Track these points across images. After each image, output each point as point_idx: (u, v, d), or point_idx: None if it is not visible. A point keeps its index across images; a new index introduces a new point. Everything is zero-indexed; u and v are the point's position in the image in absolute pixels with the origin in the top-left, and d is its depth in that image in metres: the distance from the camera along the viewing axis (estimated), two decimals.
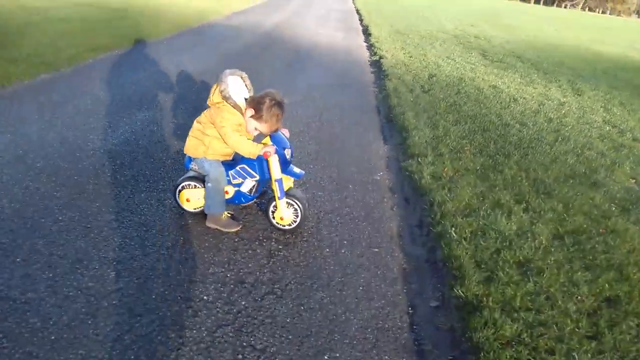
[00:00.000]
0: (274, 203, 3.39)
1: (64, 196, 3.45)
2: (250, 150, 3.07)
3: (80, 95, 5.61)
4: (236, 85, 3.13)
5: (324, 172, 4.59)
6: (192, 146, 3.25)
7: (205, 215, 3.37)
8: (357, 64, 10.21)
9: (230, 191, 3.34)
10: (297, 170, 3.45)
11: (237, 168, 3.29)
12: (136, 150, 4.40)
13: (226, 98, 3.03)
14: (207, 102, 3.18)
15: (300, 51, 10.65)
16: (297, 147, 5.05)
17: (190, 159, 3.35)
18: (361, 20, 18.61)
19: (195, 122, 3.27)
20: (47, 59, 6.75)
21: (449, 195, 4.17)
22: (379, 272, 3.14)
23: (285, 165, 3.29)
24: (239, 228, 3.37)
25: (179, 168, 4.12)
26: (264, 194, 3.61)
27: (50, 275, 2.62)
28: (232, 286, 2.78)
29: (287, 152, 3.28)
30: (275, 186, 3.25)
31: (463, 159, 5.04)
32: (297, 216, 3.42)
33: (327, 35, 13.48)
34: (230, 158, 3.34)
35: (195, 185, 3.37)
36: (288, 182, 3.43)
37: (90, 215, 3.26)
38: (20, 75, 5.95)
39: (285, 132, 3.40)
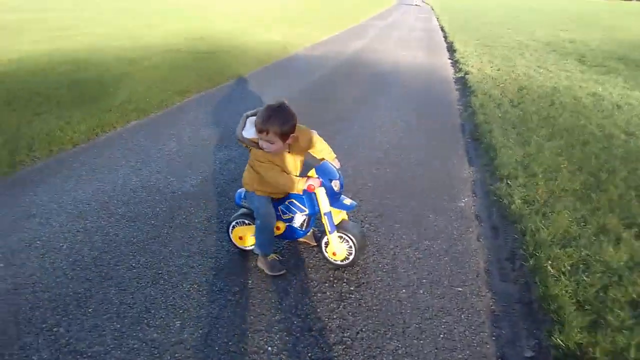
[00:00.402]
0: (326, 238, 3.22)
1: (139, 241, 3.52)
2: (293, 185, 2.90)
3: (165, 139, 5.85)
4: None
5: (401, 201, 4.33)
6: (248, 179, 3.10)
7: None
8: (441, 82, 9.82)
9: (282, 227, 3.20)
10: (348, 202, 3.22)
11: (286, 203, 3.15)
12: (212, 190, 4.44)
13: (240, 141, 2.89)
14: None
15: (381, 74, 10.48)
16: (373, 176, 4.85)
17: (241, 195, 3.28)
18: (445, 37, 18.10)
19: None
20: (139, 105, 7.18)
21: (543, 221, 3.72)
22: (463, 316, 2.81)
23: (334, 197, 3.09)
24: (281, 273, 3.18)
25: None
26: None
27: (118, 326, 2.62)
28: (298, 335, 2.61)
29: (335, 184, 3.06)
30: (324, 220, 3.08)
31: (560, 178, 4.52)
32: (351, 251, 3.21)
33: (410, 56, 13.20)
34: (282, 195, 3.17)
35: (247, 223, 3.28)
36: (340, 215, 3.23)
37: (162, 260, 3.28)
38: (114, 123, 6.36)
39: (335, 163, 3.21)
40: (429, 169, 5.11)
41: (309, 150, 3.14)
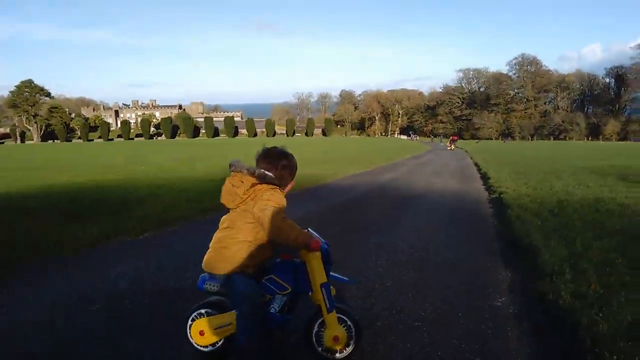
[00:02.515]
0: (319, 321, 2.53)
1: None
2: (299, 236, 2.38)
3: (180, 244, 5.52)
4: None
5: (424, 301, 3.66)
6: (221, 260, 2.52)
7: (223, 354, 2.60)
8: (474, 202, 9.35)
9: None
10: (339, 275, 2.64)
11: (263, 281, 2.50)
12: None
13: (262, 177, 2.46)
14: (230, 205, 2.56)
15: (411, 197, 10.16)
16: (393, 276, 4.24)
17: (205, 279, 2.61)
18: (479, 169, 18.02)
19: (220, 231, 2.62)
20: (161, 217, 7.04)
21: (601, 315, 2.97)
22: None
23: (328, 265, 2.50)
24: None
25: None
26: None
27: None
28: None
29: (328, 248, 2.53)
30: (321, 295, 2.42)
31: (616, 272, 3.78)
32: (351, 337, 2.50)
33: (442, 183, 12.97)
34: (252, 271, 2.54)
35: (212, 313, 2.62)
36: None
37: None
38: (128, 232, 6.12)
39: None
40: (459, 270, 4.46)
41: None
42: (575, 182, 10.82)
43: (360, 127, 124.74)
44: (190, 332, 2.64)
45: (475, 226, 6.74)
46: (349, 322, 2.53)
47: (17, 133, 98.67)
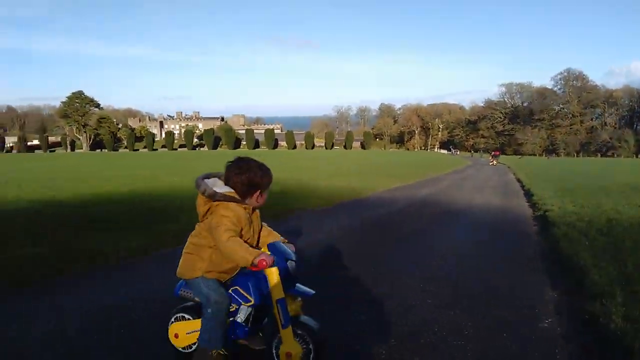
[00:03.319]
0: (278, 336, 2.57)
1: None
2: (243, 255, 2.42)
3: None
4: (217, 183, 2.65)
5: (466, 319, 3.59)
6: (187, 266, 2.67)
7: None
8: (517, 219, 9.13)
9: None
10: (305, 288, 2.65)
11: (230, 291, 2.61)
12: None
13: (212, 196, 2.54)
14: (200, 218, 2.70)
15: (452, 212, 10.01)
16: (433, 296, 4.18)
17: (181, 285, 2.79)
18: (522, 186, 17.57)
19: (189, 238, 2.76)
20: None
21: None
22: None
23: (289, 282, 2.56)
24: None
25: None
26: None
27: None
28: None
29: (291, 264, 2.58)
30: (276, 309, 2.48)
31: None
32: (307, 353, 2.52)
33: (484, 199, 12.72)
34: (229, 277, 2.68)
35: (187, 318, 2.75)
36: (294, 306, 2.60)
37: None
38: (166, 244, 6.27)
39: (290, 247, 2.74)
40: (503, 288, 4.36)
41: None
42: (625, 200, 10.41)
43: (400, 140, 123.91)
44: (168, 334, 2.80)
45: (519, 243, 6.57)
46: (307, 340, 2.54)
47: (67, 142, 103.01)
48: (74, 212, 8.61)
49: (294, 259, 2.62)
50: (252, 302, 2.57)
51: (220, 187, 2.61)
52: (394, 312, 3.74)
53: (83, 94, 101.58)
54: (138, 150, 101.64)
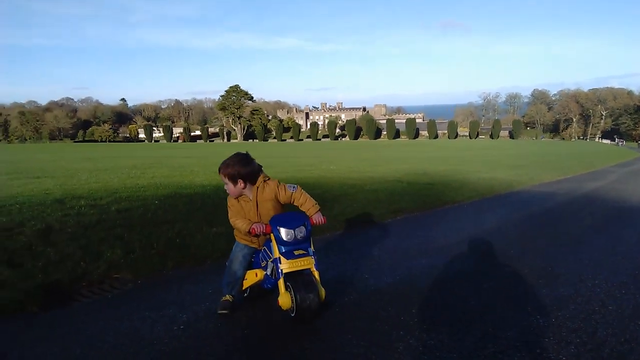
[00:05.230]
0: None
1: None
2: (241, 225, 3.29)
3: (369, 246, 5.67)
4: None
5: None
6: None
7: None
8: None
9: (259, 274, 3.42)
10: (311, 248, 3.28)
11: (262, 250, 3.43)
12: (411, 293, 3.95)
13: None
14: None
15: (626, 209, 8.83)
16: (616, 302, 3.70)
17: None
18: None
19: None
20: (350, 218, 7.32)
21: None
22: None
23: (287, 244, 3.15)
24: (222, 312, 3.34)
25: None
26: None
27: None
28: None
29: (283, 231, 3.14)
30: (274, 266, 3.19)
31: None
32: (293, 304, 3.07)
33: None
34: (256, 246, 3.52)
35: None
36: (305, 264, 3.16)
37: None
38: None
39: (316, 217, 3.36)
40: None
41: (294, 204, 3.47)
42: None
43: (554, 129, 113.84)
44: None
45: None
46: (292, 292, 3.08)
47: (224, 132, 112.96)
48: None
49: (294, 226, 3.18)
50: (272, 258, 3.24)
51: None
52: (574, 317, 3.39)
53: (239, 87, 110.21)
54: (285, 140, 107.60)
